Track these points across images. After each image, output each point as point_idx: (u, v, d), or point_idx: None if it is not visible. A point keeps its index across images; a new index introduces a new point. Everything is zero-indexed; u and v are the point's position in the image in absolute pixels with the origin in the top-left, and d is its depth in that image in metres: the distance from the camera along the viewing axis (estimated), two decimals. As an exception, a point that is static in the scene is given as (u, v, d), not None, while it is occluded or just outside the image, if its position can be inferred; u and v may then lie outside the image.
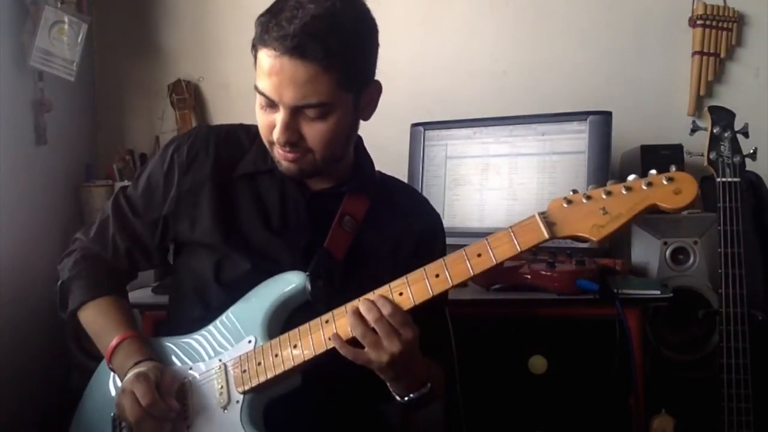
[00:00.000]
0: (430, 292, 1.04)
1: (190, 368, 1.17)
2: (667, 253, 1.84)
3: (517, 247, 1.01)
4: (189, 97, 2.35)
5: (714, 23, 2.14)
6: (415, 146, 2.14)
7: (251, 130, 1.27)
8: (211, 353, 1.16)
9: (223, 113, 2.40)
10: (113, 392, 1.21)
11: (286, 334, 1.10)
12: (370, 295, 1.06)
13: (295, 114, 1.10)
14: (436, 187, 2.08)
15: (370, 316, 1.03)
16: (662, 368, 1.76)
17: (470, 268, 1.02)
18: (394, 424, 1.14)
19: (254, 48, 1.11)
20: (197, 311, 1.21)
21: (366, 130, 1.26)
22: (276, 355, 1.09)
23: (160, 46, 2.44)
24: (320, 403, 1.15)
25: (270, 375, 1.08)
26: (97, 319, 1.25)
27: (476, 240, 2.09)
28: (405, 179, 2.10)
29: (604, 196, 0.98)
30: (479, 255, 1.02)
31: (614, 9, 2.23)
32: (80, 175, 2.30)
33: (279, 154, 1.16)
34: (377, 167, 1.33)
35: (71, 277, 1.28)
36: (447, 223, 2.09)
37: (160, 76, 2.41)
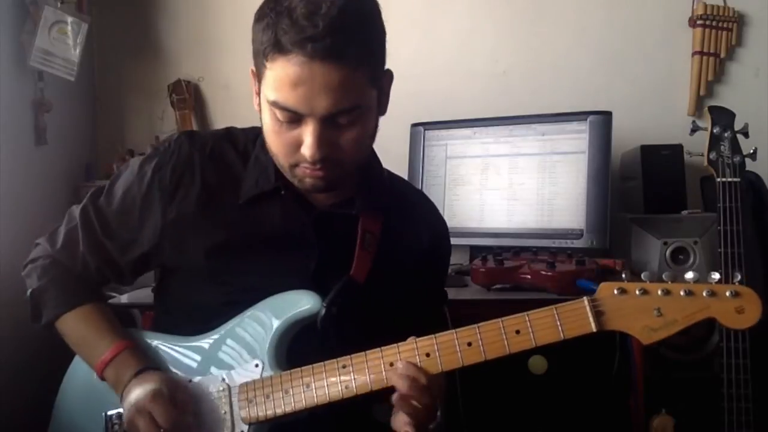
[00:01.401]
0: (461, 362, 0.98)
1: (190, 380, 1.10)
2: (667, 253, 1.84)
3: (561, 334, 0.94)
4: (189, 97, 2.34)
5: (714, 23, 2.14)
6: (415, 146, 2.14)
7: (239, 139, 1.16)
8: (213, 370, 1.09)
9: (223, 113, 2.40)
10: (94, 390, 1.14)
11: (298, 370, 1.04)
12: (397, 361, 0.99)
13: (327, 124, 0.97)
14: (436, 187, 2.08)
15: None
16: (662, 368, 1.76)
17: (507, 346, 0.96)
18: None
19: (263, 57, 0.97)
20: (194, 326, 1.13)
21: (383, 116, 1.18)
22: (286, 392, 1.03)
23: (160, 46, 2.43)
24: (321, 418, 1.08)
25: (279, 413, 1.03)
26: (79, 331, 1.16)
27: (476, 240, 2.08)
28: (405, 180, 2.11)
29: (660, 294, 0.92)
30: (518, 332, 0.96)
31: (614, 9, 2.23)
32: (80, 175, 2.30)
33: (305, 172, 1.02)
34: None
35: (43, 286, 1.18)
36: (447, 223, 2.10)
37: (160, 76, 2.40)
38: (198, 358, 1.12)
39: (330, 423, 1.10)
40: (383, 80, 1.05)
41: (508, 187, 2.00)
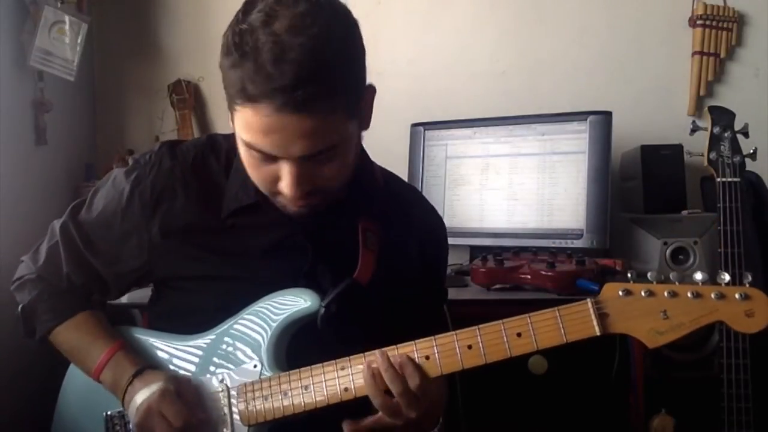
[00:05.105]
0: (461, 365, 0.96)
1: (188, 380, 1.09)
2: (667, 253, 1.84)
3: (564, 337, 0.92)
4: (189, 97, 2.34)
5: (714, 23, 2.14)
6: (415, 146, 2.14)
7: (221, 147, 1.13)
8: (211, 368, 1.09)
9: (223, 113, 2.35)
10: (94, 390, 1.14)
11: (296, 371, 1.03)
12: (394, 356, 0.97)
13: (304, 162, 0.93)
14: (436, 187, 2.09)
15: (395, 388, 0.95)
16: (662, 368, 1.76)
17: (508, 350, 0.94)
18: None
19: (232, 99, 0.91)
20: (188, 330, 1.13)
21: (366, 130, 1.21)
22: (285, 394, 1.02)
23: (160, 46, 2.43)
24: (323, 419, 1.06)
25: (278, 416, 1.03)
26: (71, 341, 1.16)
27: (476, 240, 2.07)
28: (405, 179, 2.10)
29: (667, 296, 0.89)
30: (519, 335, 0.94)
31: (614, 9, 2.23)
32: (80, 175, 2.30)
33: (287, 202, 1.00)
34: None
35: (33, 300, 1.18)
36: (447, 223, 2.08)
37: (160, 76, 2.40)
38: (195, 358, 1.11)
39: (332, 424, 1.09)
40: (364, 102, 1.00)
41: (508, 187, 2.00)
